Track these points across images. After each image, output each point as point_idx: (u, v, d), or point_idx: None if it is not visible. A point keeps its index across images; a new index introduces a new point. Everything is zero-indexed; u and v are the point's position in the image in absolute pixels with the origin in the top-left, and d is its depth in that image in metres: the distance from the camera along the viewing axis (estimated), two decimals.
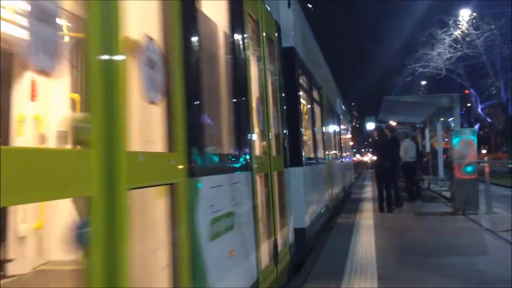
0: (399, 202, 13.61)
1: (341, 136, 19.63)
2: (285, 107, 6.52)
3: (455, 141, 12.26)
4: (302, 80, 8.99)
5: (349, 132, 29.85)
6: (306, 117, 9.95)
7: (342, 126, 21.00)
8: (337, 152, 16.47)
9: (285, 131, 6.46)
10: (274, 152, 5.69)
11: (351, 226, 10.71)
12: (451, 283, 6.03)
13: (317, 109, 11.31)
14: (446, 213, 12.52)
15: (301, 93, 8.70)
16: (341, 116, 20.39)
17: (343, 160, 19.47)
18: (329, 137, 13.64)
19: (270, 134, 5.48)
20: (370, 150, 42.76)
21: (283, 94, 6.48)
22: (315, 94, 11.00)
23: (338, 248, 8.45)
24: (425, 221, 11.49)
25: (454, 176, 12.29)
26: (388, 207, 13.06)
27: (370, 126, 51.46)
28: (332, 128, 15.03)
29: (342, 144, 19.74)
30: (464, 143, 12.23)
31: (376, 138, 13.87)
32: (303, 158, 7.90)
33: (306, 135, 9.87)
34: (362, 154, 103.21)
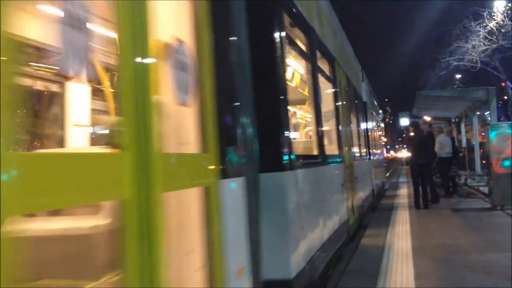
0: (435, 198, 13.42)
1: (370, 129, 16.15)
2: (240, 65, 3.76)
3: (492, 135, 12.05)
4: (292, 34, 5.63)
5: (380, 125, 25.62)
6: (304, 94, 7.22)
7: (371, 117, 17.23)
8: (363, 148, 13.06)
9: (234, 105, 3.63)
10: (175, 147, 2.89)
11: (384, 231, 10.62)
12: (489, 280, 5.94)
13: (326, 86, 7.70)
14: (484, 209, 12.30)
15: (288, 52, 5.47)
16: (369, 105, 16.68)
17: (373, 157, 15.80)
18: (351, 129, 10.02)
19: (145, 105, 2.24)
20: (405, 146, 42.17)
21: (236, 40, 3.75)
22: (324, 65, 7.52)
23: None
24: (462, 217, 11.31)
25: (492, 171, 12.07)
26: (424, 203, 12.91)
27: (404, 122, 50.85)
28: (355, 117, 11.52)
29: (371, 139, 16.26)
30: (502, 137, 12.01)
31: (412, 133, 13.71)
32: (289, 157, 4.61)
33: (303, 122, 7.93)
34: (396, 151, 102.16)
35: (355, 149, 10.70)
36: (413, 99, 21.02)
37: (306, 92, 7.10)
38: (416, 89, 25.59)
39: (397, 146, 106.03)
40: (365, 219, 11.63)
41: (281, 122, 4.51)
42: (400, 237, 8.99)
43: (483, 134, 17.48)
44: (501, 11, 30.98)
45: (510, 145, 12.01)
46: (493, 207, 12.01)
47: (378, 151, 20.69)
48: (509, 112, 39.19)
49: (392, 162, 64.67)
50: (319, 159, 6.25)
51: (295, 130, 8.32)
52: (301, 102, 7.66)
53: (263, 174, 4.05)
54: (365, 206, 11.57)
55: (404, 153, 63.86)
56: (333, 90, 8.09)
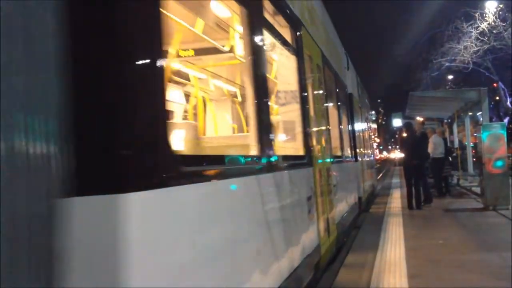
0: (428, 199, 13.46)
1: (357, 125, 13.64)
2: None
3: (484, 135, 12.09)
4: None
5: (370, 123, 22.75)
6: (227, 56, 5.35)
7: (358, 112, 14.64)
8: (347, 147, 10.64)
9: None
10: None
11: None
12: (482, 280, 5.95)
13: (283, 57, 5.67)
14: (476, 209, 12.34)
15: None
16: (356, 98, 14.08)
17: (361, 158, 13.53)
18: (328, 123, 7.72)
19: None
20: (398, 147, 42.30)
21: None
22: (282, 30, 5.28)
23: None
24: (455, 217, 11.34)
25: (484, 171, 12.12)
26: (417, 204, 12.94)
27: (397, 122, 51.00)
28: (336, 109, 9.35)
29: (359, 137, 13.92)
30: (494, 137, 12.07)
31: (405, 134, 13.74)
32: (156, 163, 2.27)
33: (226, 104, 6.07)
34: (389, 151, 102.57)
35: (336, 149, 8.68)
36: (406, 100, 21.11)
37: (235, 55, 5.03)
38: (409, 90, 25.71)
39: (390, 147, 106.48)
40: (350, 234, 9.80)
41: (133, 96, 2.22)
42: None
43: (475, 134, 17.57)
44: (493, 12, 31.14)
45: (502, 145, 12.08)
46: (486, 207, 12.06)
47: (368, 151, 18.47)
48: (501, 112, 39.43)
49: (385, 163, 64.89)
50: (255, 164, 3.82)
51: (199, 116, 5.85)
52: (224, 70, 5.54)
53: (78, 199, 1.97)
54: (348, 220, 9.19)
55: (397, 154, 64.16)
56: (297, 65, 5.66)
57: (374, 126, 30.29)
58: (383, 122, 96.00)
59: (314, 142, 6.15)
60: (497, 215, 11.09)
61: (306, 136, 5.69)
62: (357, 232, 10.18)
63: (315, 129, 6.33)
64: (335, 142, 8.77)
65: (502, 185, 11.82)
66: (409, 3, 44.15)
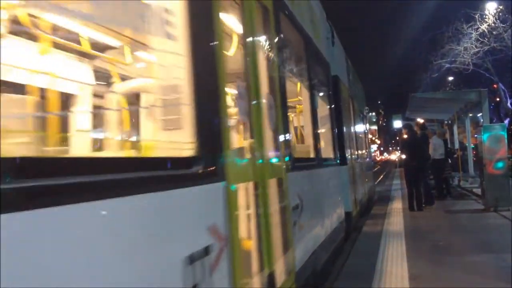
0: (429, 200, 13.46)
1: (346, 119, 11.03)
2: None
3: (484, 136, 12.10)
4: None
5: (365, 118, 19.35)
6: None
7: (348, 102, 11.88)
8: (329, 147, 8.13)
9: None
10: None
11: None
12: (483, 282, 5.95)
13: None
14: (477, 210, 12.34)
15: None
16: (344, 83, 11.36)
17: (353, 161, 11.32)
18: (281, 105, 4.57)
19: None
20: (398, 148, 42.36)
21: None
22: None
23: None
24: (456, 219, 11.34)
25: (485, 172, 12.12)
26: (418, 205, 12.93)
27: (397, 124, 50.99)
28: (308, 90, 6.56)
29: (349, 134, 11.34)
30: (494, 138, 12.07)
31: (405, 136, 13.73)
32: None
33: None
34: (389, 153, 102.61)
35: (304, 149, 6.57)
36: (406, 101, 21.13)
37: None
38: (409, 91, 25.73)
39: (390, 148, 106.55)
40: (329, 270, 7.07)
41: None
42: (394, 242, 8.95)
43: (476, 135, 17.59)
44: (493, 14, 31.18)
45: (503, 146, 12.08)
46: (486, 208, 12.05)
47: (363, 152, 15.93)
48: (501, 113, 39.42)
49: (386, 165, 64.90)
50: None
51: None
52: None
53: None
54: (325, 253, 6.51)
55: (398, 155, 64.13)
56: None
57: (373, 125, 30.07)
58: (384, 124, 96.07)
59: (240, 136, 3.89)
60: (498, 217, 11.08)
61: (211, 123, 2.84)
62: (356, 235, 10.14)
63: (241, 110, 3.64)
64: (307, 139, 6.62)
65: (502, 186, 11.82)
66: (408, 4, 44.23)
